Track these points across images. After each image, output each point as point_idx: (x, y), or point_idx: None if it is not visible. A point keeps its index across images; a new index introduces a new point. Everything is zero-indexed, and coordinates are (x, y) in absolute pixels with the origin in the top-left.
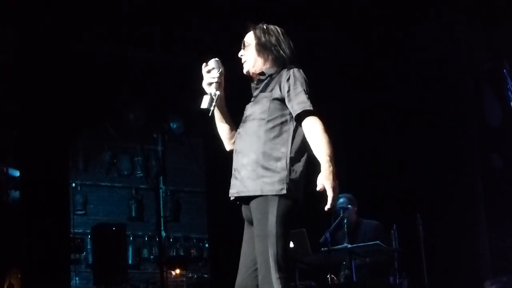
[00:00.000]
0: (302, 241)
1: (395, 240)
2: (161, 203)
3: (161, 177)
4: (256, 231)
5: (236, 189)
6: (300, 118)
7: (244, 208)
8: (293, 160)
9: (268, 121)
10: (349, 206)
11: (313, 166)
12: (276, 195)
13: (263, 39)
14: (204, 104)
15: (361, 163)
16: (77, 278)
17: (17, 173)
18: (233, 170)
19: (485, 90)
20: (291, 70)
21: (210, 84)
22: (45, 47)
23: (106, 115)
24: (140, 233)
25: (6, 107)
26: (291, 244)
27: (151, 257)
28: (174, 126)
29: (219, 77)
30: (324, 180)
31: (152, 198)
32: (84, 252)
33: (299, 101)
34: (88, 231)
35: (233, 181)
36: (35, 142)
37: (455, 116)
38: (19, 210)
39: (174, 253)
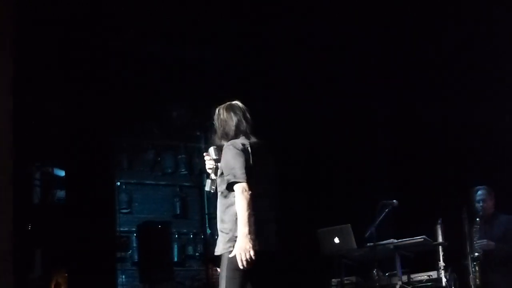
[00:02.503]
0: (347, 237)
1: (441, 234)
2: (205, 200)
3: (204, 175)
4: None
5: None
6: (229, 188)
7: None
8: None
9: (222, 192)
10: (487, 197)
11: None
12: (225, 253)
13: (216, 126)
14: (207, 187)
15: (407, 155)
16: (123, 276)
17: (62, 173)
18: None
19: None
20: (224, 146)
21: (209, 169)
22: (88, 45)
23: (150, 114)
24: (184, 231)
25: (50, 107)
26: (336, 240)
27: (196, 254)
28: None
29: (214, 164)
30: (237, 250)
31: (196, 195)
32: (130, 250)
33: (226, 174)
34: (134, 229)
35: None
36: (80, 142)
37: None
38: (64, 210)
39: None
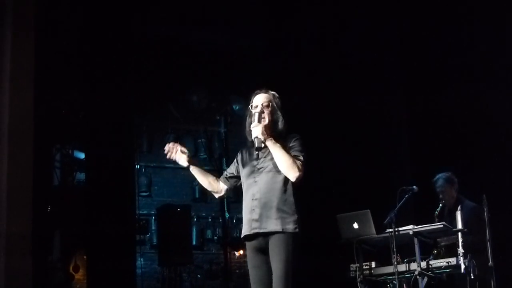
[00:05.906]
0: (366, 222)
1: (461, 221)
2: None
3: (224, 159)
4: (277, 256)
5: (257, 226)
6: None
7: (259, 240)
8: (296, 205)
9: (280, 173)
10: (446, 187)
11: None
12: (291, 232)
13: (276, 104)
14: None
15: (428, 141)
16: (142, 259)
17: (82, 155)
18: (250, 211)
19: None
20: (296, 136)
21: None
22: (109, 30)
23: (170, 97)
24: (203, 214)
25: (71, 90)
26: (355, 225)
27: (215, 238)
28: (237, 107)
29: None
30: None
31: None
32: (149, 233)
33: (297, 153)
34: (153, 212)
35: (252, 221)
36: (100, 124)
37: None
38: (84, 192)
39: (238, 234)
